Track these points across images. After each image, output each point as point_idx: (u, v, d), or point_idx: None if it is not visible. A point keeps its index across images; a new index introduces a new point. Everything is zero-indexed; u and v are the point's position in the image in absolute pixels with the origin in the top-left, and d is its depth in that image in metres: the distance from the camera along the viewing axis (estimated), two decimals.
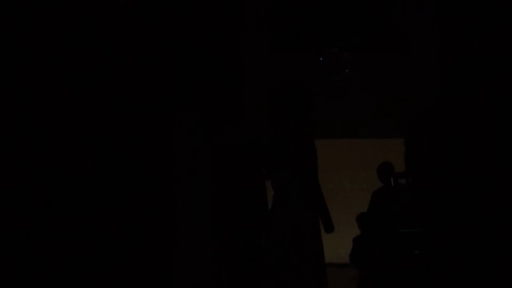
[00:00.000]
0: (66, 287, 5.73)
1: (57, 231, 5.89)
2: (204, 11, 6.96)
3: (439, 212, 6.07)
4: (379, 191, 7.93)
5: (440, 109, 6.71)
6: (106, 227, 5.97)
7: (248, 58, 8.43)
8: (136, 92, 6.30)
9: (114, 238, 5.97)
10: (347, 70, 8.62)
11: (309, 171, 4.71)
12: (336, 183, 10.55)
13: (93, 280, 5.87)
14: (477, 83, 6.82)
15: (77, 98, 6.09)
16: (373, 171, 8.29)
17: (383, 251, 7.51)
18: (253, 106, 7.47)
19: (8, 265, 5.71)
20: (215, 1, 7.21)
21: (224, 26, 7.28)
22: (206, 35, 6.93)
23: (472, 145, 6.37)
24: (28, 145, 5.91)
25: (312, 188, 4.70)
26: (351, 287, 8.86)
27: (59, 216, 5.89)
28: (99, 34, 6.22)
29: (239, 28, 8.16)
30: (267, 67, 8.70)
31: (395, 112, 8.70)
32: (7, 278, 5.67)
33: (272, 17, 8.96)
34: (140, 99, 6.28)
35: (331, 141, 9.54)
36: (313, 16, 8.97)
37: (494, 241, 6.12)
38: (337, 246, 8.58)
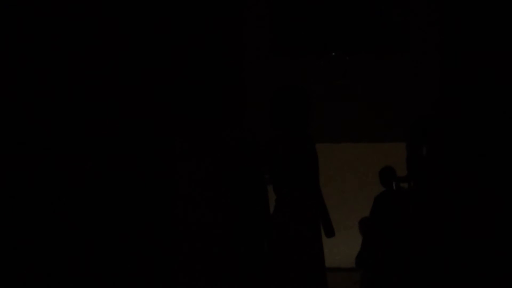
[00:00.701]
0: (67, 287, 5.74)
1: (58, 232, 5.89)
2: (205, 15, 6.96)
3: (440, 215, 6.06)
4: (382, 196, 7.92)
5: (440, 113, 6.70)
6: (107, 228, 5.97)
7: (249, 62, 8.43)
8: (137, 94, 6.30)
9: (115, 240, 5.97)
10: (348, 74, 8.62)
11: (310, 175, 4.71)
12: (337, 187, 10.54)
13: (95, 281, 5.86)
14: (478, 86, 6.81)
15: (78, 99, 6.09)
16: (374, 175, 8.27)
17: (386, 255, 7.50)
18: (254, 110, 7.46)
19: (8, 265, 5.71)
20: (216, 5, 7.20)
21: (226, 31, 7.28)
22: (207, 39, 6.93)
23: (472, 148, 6.37)
24: (29, 145, 5.91)
25: (313, 192, 4.70)
26: None
27: (61, 218, 5.89)
28: (101, 35, 6.22)
29: (240, 33, 8.16)
30: (268, 71, 8.70)
31: (396, 116, 8.69)
32: (7, 279, 5.66)
33: (273, 21, 8.96)
34: (141, 102, 6.28)
35: (332, 145, 9.54)
36: (314, 20, 8.97)
37: (496, 243, 6.11)
38: (338, 251, 8.57)
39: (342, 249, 8.84)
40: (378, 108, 8.91)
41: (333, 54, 8.57)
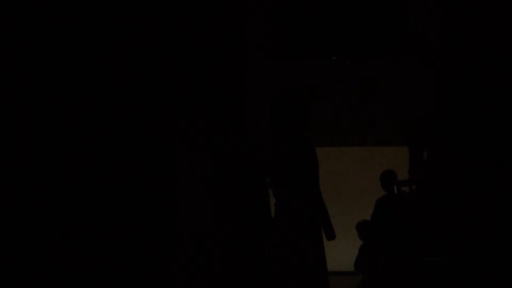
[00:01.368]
0: None
1: (58, 232, 5.88)
2: (206, 17, 6.95)
3: (441, 218, 6.06)
4: (383, 199, 7.92)
5: (440, 117, 6.70)
6: (107, 229, 5.97)
7: (250, 65, 8.43)
8: (138, 96, 6.29)
9: (115, 241, 5.97)
10: (349, 78, 8.63)
11: (310, 178, 4.70)
12: (337, 191, 10.54)
13: (95, 282, 5.86)
14: (478, 89, 6.81)
15: (78, 100, 6.09)
16: (374, 179, 8.27)
17: (387, 259, 7.50)
18: (255, 113, 7.46)
19: (8, 266, 5.71)
20: (217, 8, 7.20)
21: (226, 33, 7.28)
22: (208, 41, 6.92)
23: (473, 151, 6.36)
24: (29, 146, 5.91)
25: (313, 195, 4.70)
26: None
27: (61, 218, 5.89)
28: (101, 35, 6.22)
29: (242, 35, 8.16)
30: (269, 74, 8.70)
31: (396, 120, 8.70)
32: (7, 279, 5.66)
33: (274, 24, 8.97)
34: (142, 104, 6.28)
35: (333, 148, 9.54)
36: (315, 23, 8.98)
37: (497, 244, 6.11)
38: (339, 254, 8.56)
39: (342, 252, 8.83)
40: (378, 111, 8.92)
41: (333, 58, 8.58)
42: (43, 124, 6.00)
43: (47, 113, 6.02)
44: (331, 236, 4.74)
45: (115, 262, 5.94)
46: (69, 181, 5.98)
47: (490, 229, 6.17)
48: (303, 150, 4.70)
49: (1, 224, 5.76)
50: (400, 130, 8.29)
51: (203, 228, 4.79)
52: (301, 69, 8.77)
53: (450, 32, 7.38)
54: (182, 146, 4.89)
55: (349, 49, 8.91)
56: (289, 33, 9.02)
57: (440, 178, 6.20)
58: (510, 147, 6.45)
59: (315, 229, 4.68)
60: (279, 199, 4.74)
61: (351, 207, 10.33)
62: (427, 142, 6.28)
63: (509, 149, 6.44)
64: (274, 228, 4.74)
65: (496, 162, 6.37)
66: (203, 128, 4.89)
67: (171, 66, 6.43)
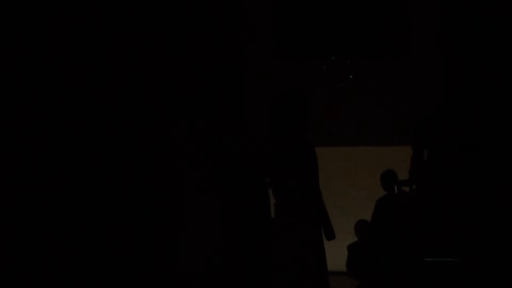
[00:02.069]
0: None
1: (58, 233, 5.89)
2: (207, 18, 6.96)
3: (442, 218, 6.06)
4: (383, 199, 7.92)
5: (441, 117, 6.70)
6: (107, 229, 5.97)
7: (251, 66, 8.44)
8: (138, 97, 6.30)
9: (115, 241, 5.97)
10: (349, 78, 8.62)
11: (310, 178, 4.71)
12: (337, 191, 10.53)
13: (95, 282, 5.86)
14: (480, 90, 6.81)
15: (78, 99, 6.10)
16: (374, 179, 8.27)
17: (387, 259, 7.49)
18: (255, 113, 7.46)
19: (8, 266, 5.71)
20: (218, 9, 7.21)
21: (227, 34, 7.29)
22: (209, 43, 6.93)
23: (473, 152, 6.36)
24: (29, 146, 5.91)
25: (313, 195, 4.70)
26: None
27: (61, 218, 5.89)
28: (102, 35, 6.22)
29: (242, 36, 8.17)
30: (269, 74, 8.71)
31: (397, 120, 8.70)
32: (7, 279, 5.66)
33: (275, 25, 8.97)
34: (142, 104, 6.28)
35: (333, 148, 9.54)
36: (315, 24, 8.98)
37: (497, 244, 6.12)
38: (339, 254, 8.56)
39: (342, 252, 8.83)
40: (379, 112, 8.92)
41: (333, 58, 8.58)
42: (43, 124, 6.01)
43: (47, 113, 6.03)
44: (331, 236, 4.74)
45: (115, 262, 5.94)
46: (69, 181, 5.99)
47: (490, 229, 6.17)
48: (303, 151, 4.70)
49: (1, 224, 5.77)
50: (400, 130, 8.29)
51: (203, 228, 4.79)
52: (301, 69, 8.77)
53: (450, 32, 7.39)
54: (182, 146, 4.88)
55: (349, 49, 8.92)
56: (290, 33, 9.03)
57: (440, 178, 6.20)
58: (510, 147, 6.46)
59: (315, 229, 4.69)
60: (279, 199, 4.75)
61: (351, 207, 10.32)
62: (430, 142, 6.28)
63: (509, 149, 6.45)
64: (273, 228, 4.74)
65: (496, 162, 6.38)
66: (203, 128, 4.88)
67: (171, 66, 6.44)
